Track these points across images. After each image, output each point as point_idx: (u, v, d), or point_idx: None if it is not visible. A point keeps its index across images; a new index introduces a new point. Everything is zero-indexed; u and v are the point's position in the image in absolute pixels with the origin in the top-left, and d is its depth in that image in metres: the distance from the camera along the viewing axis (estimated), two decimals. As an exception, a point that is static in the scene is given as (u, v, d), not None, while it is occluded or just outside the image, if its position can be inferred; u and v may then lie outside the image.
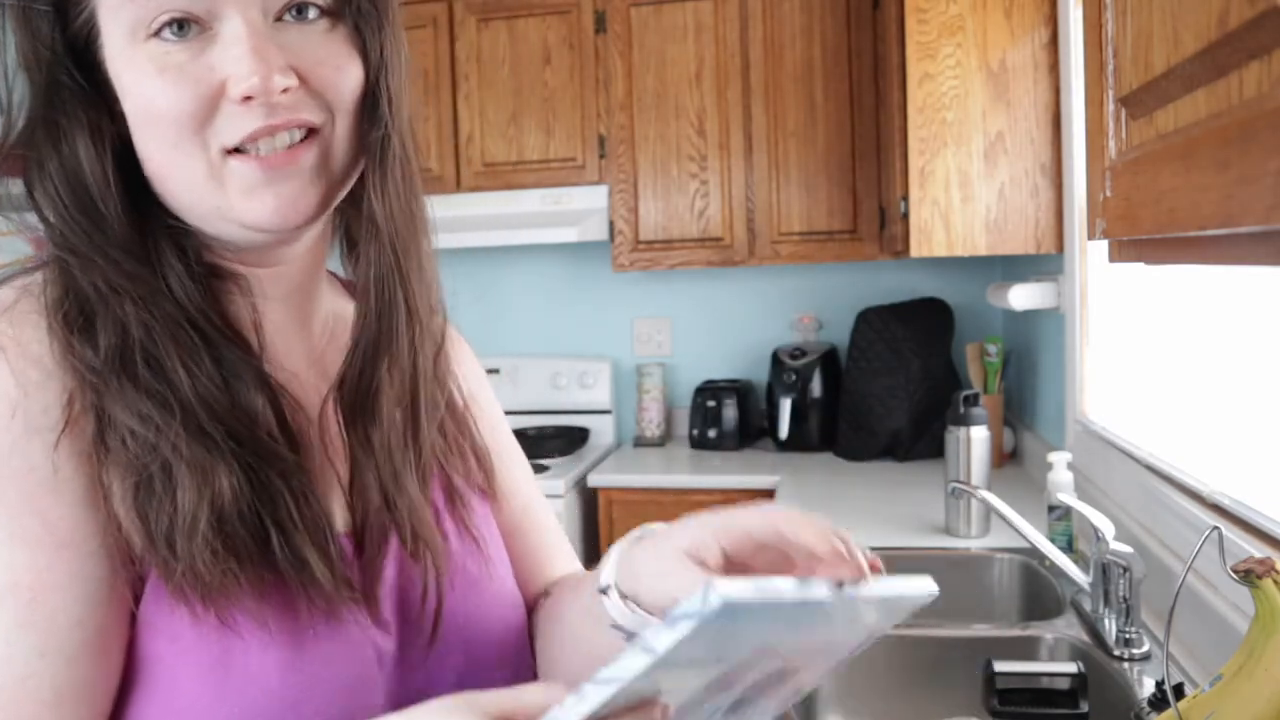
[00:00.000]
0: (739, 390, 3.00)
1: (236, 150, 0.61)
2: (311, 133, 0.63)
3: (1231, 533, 1.20)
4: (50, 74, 0.62)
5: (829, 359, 2.96)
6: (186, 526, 0.58)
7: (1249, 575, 0.75)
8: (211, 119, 0.60)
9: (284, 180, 0.62)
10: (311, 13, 0.63)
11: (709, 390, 3.01)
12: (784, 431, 2.90)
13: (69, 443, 0.58)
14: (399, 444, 0.69)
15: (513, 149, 2.97)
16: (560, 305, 3.34)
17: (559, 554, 0.86)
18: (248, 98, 0.59)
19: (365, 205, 0.68)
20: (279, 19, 0.62)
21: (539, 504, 0.87)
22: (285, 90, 0.60)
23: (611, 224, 2.93)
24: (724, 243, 2.89)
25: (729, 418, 2.97)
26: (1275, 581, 0.74)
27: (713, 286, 3.23)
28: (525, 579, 0.81)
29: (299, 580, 0.61)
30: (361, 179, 0.67)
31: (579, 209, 2.93)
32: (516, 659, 0.74)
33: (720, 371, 3.23)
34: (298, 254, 0.69)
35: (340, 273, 0.77)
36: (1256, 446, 1.33)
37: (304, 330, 0.72)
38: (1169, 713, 0.77)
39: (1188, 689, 1.16)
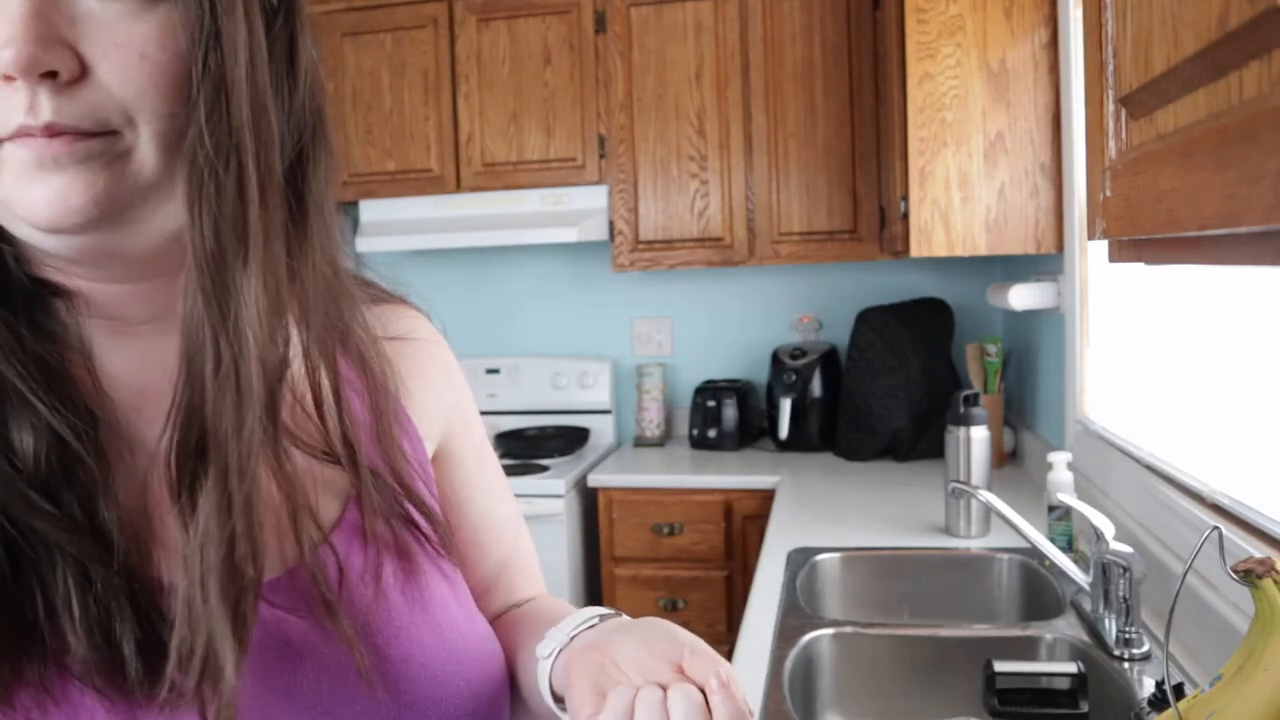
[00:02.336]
0: (739, 390, 3.00)
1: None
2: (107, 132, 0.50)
3: (1231, 533, 1.20)
4: None
5: (829, 359, 2.96)
6: None
7: (1249, 575, 0.75)
8: None
9: (58, 170, 0.49)
10: None
11: (709, 390, 3.01)
12: (784, 431, 2.90)
13: None
14: (216, 528, 0.53)
15: (513, 149, 2.97)
16: (560, 305, 3.34)
17: (534, 587, 0.84)
18: (7, 77, 0.47)
19: (200, 228, 0.52)
20: None
21: (524, 544, 0.84)
22: (52, 74, 0.47)
23: (611, 224, 2.94)
24: (724, 243, 2.89)
25: (729, 418, 2.97)
26: (1275, 581, 0.74)
27: (713, 286, 3.23)
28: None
29: (87, 680, 0.50)
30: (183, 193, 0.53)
31: (579, 209, 2.93)
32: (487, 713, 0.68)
33: (720, 371, 3.23)
34: (141, 271, 0.56)
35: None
36: (1256, 446, 1.33)
37: (169, 366, 0.56)
38: (1169, 712, 0.77)
39: (1188, 689, 1.16)
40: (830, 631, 1.48)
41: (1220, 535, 0.79)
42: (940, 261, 3.02)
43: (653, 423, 3.13)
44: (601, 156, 2.93)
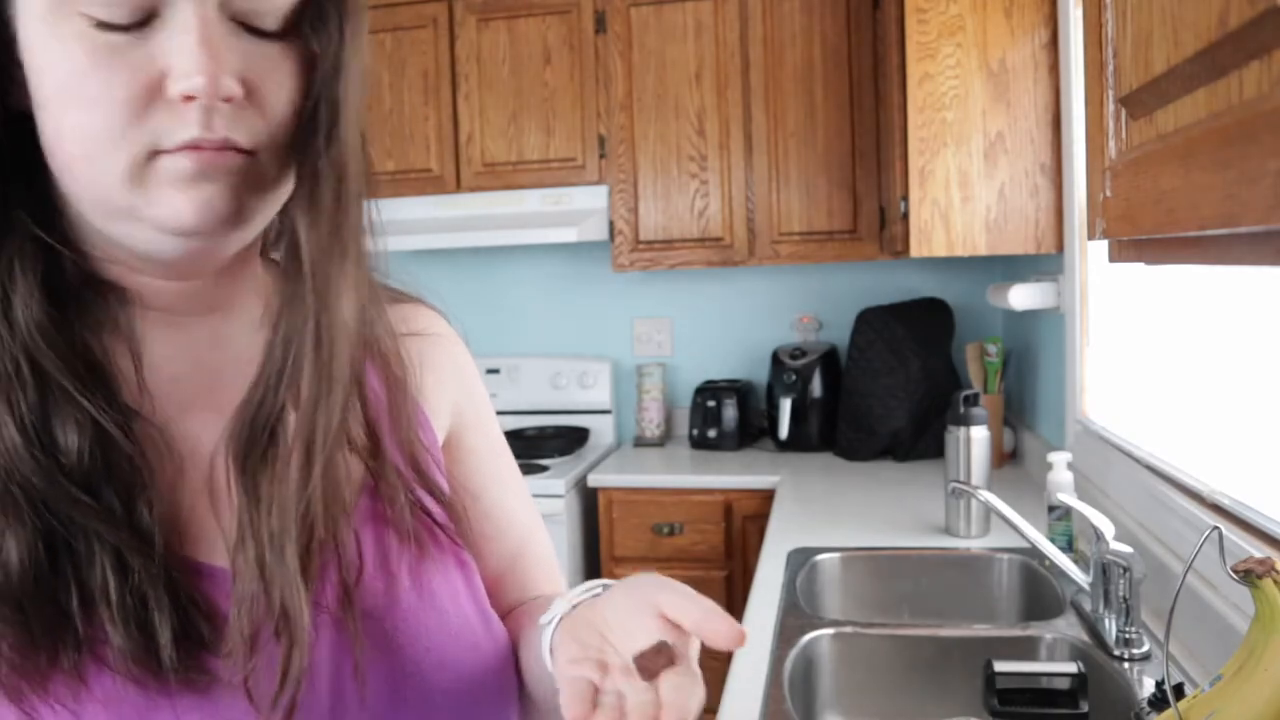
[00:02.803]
0: (739, 390, 3.01)
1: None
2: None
3: (1231, 533, 1.20)
4: None
5: (829, 359, 2.96)
6: None
7: (1249, 575, 0.75)
8: (144, 115, 0.53)
9: (208, 180, 0.54)
10: (270, 21, 0.56)
11: (709, 390, 3.01)
12: (784, 431, 2.90)
13: None
14: (291, 499, 0.59)
15: (513, 149, 2.97)
16: (560, 305, 3.34)
17: (551, 586, 0.83)
18: (189, 97, 0.52)
19: (289, 227, 0.60)
20: (234, 20, 0.55)
21: (538, 537, 0.84)
22: (229, 99, 0.53)
23: (611, 224, 2.94)
24: (724, 243, 2.89)
25: (729, 418, 2.97)
26: (1275, 581, 0.74)
27: (713, 286, 3.23)
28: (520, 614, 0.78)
29: (121, 665, 0.52)
30: (292, 200, 0.60)
31: (579, 209, 2.93)
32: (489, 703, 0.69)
33: (720, 371, 3.23)
34: (212, 271, 0.62)
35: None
36: (1256, 446, 1.33)
37: (208, 358, 0.63)
38: (1169, 712, 0.77)
39: (1188, 689, 1.16)
40: (830, 631, 1.48)
41: (1220, 535, 0.79)
42: (940, 261, 3.02)
43: (653, 423, 3.13)
44: (601, 156, 2.93)
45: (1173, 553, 1.41)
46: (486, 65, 2.98)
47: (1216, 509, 1.30)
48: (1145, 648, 1.32)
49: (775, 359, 2.98)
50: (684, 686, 0.55)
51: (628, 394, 3.28)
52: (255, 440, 0.59)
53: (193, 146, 0.53)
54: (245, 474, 0.59)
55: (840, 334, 3.09)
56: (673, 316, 3.27)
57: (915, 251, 2.14)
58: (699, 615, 0.55)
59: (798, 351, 2.96)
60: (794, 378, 2.91)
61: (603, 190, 2.93)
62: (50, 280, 0.56)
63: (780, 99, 2.82)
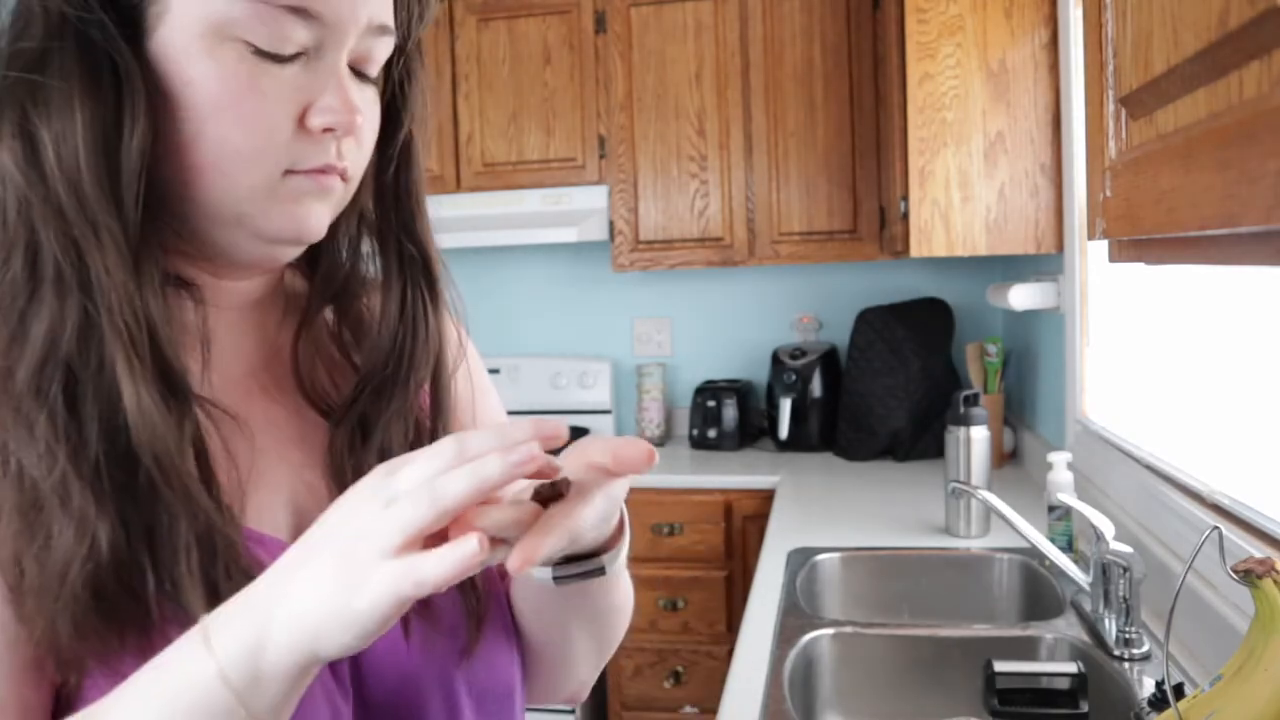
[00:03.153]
0: (739, 390, 3.01)
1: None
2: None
3: (1231, 533, 1.20)
4: (99, 38, 0.56)
5: (829, 359, 2.96)
6: (51, 583, 0.53)
7: (1249, 575, 0.75)
8: (288, 139, 0.60)
9: (319, 200, 0.63)
10: (372, 69, 0.65)
11: (709, 390, 3.01)
12: (784, 431, 2.90)
13: None
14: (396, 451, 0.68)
15: (513, 149, 2.98)
16: (560, 305, 3.34)
17: None
18: (328, 129, 0.61)
19: (412, 241, 0.72)
20: (352, 66, 0.64)
21: None
22: (351, 135, 0.63)
23: (611, 224, 2.94)
24: (724, 243, 2.89)
25: (729, 418, 2.97)
26: (1275, 581, 0.74)
27: (713, 286, 3.23)
28: None
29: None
30: (384, 206, 0.71)
31: (579, 209, 2.93)
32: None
33: (720, 371, 3.23)
34: (272, 271, 0.69)
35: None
36: (1256, 446, 1.33)
37: (254, 335, 0.70)
38: (1169, 712, 0.77)
39: (1188, 689, 1.16)
40: (830, 631, 1.48)
41: (1220, 535, 0.79)
42: (940, 261, 3.02)
43: (653, 423, 3.13)
44: (601, 156, 2.93)
45: (1173, 553, 1.41)
46: (486, 65, 2.98)
47: (1216, 509, 1.30)
48: (1145, 648, 1.32)
49: (775, 359, 2.98)
50: (572, 511, 0.53)
51: (628, 394, 3.28)
52: (365, 429, 0.68)
53: (320, 170, 0.62)
54: (351, 457, 0.67)
55: (840, 334, 3.09)
56: (672, 316, 3.27)
57: (915, 251, 2.14)
58: (612, 449, 0.54)
59: (798, 351, 2.96)
60: (794, 378, 2.91)
61: (603, 190, 2.93)
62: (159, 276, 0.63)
63: (780, 99, 2.82)
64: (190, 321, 0.64)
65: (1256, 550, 1.14)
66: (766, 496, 2.53)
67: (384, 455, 0.67)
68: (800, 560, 1.81)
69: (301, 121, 0.60)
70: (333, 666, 0.62)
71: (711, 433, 2.98)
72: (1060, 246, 2.10)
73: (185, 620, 0.53)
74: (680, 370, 3.27)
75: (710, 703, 2.60)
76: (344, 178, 0.64)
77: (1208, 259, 0.64)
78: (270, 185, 0.60)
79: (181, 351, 0.60)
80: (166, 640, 0.53)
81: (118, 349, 0.55)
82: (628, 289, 3.29)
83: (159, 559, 0.55)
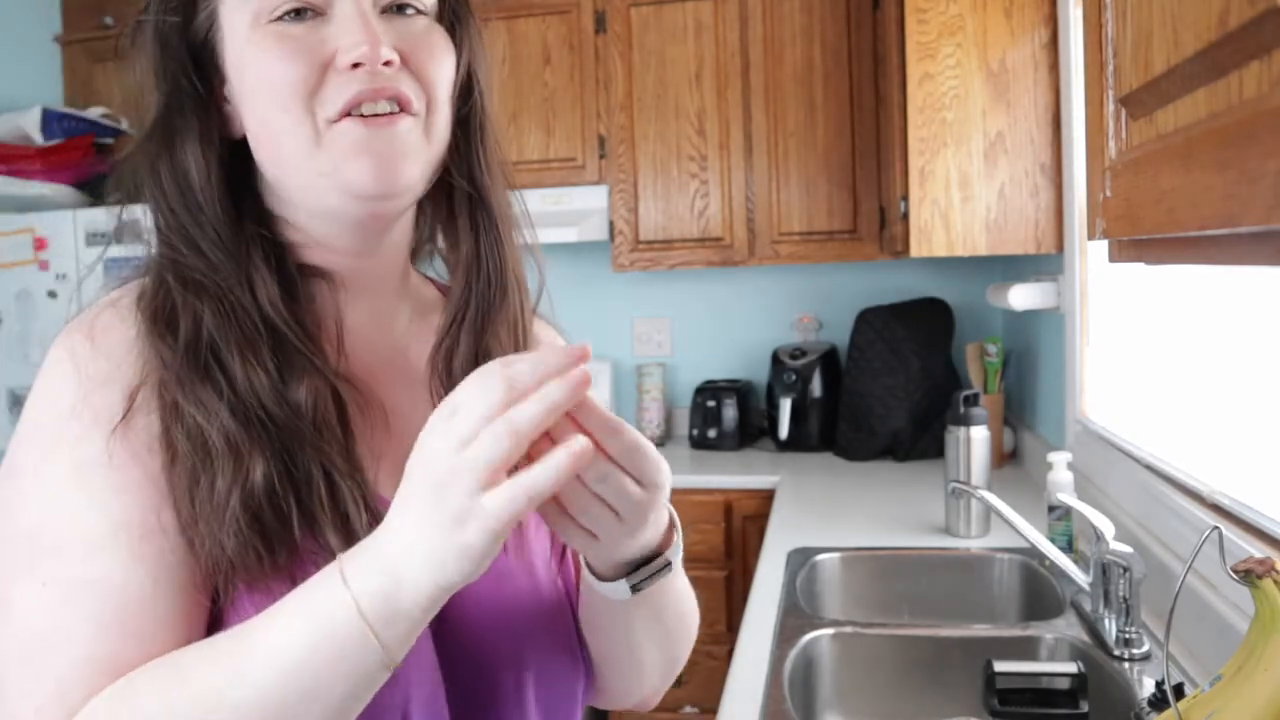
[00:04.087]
0: (739, 390, 3.01)
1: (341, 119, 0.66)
2: (405, 111, 0.68)
3: (1231, 533, 1.20)
4: (174, 82, 0.69)
5: (829, 359, 2.96)
6: (219, 509, 0.62)
7: (1249, 575, 0.75)
8: (320, 88, 0.66)
9: (383, 141, 0.66)
10: (410, 10, 0.70)
11: (709, 390, 3.01)
12: (784, 431, 2.90)
13: (129, 433, 0.63)
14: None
15: (513, 149, 2.97)
16: (560, 305, 3.33)
17: None
18: (356, 65, 0.65)
19: (469, 176, 0.75)
20: (384, 11, 0.69)
21: None
22: (388, 63, 0.66)
23: (611, 224, 2.94)
24: (724, 243, 2.89)
25: (729, 418, 2.97)
26: (1275, 581, 0.74)
27: (713, 286, 3.23)
28: None
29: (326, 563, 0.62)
30: (459, 159, 0.75)
31: (579, 209, 2.93)
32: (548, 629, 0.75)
33: (720, 371, 3.23)
34: (386, 246, 0.74)
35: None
36: (1256, 446, 1.33)
37: (387, 324, 0.77)
38: (1169, 712, 0.77)
39: (1188, 689, 1.16)
40: (830, 631, 1.48)
41: (1220, 535, 0.79)
42: (940, 261, 3.02)
43: (653, 423, 3.12)
44: (601, 156, 2.93)
45: (1173, 553, 1.41)
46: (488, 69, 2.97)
47: (1216, 509, 1.30)
48: (1145, 648, 1.32)
49: (775, 359, 2.98)
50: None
51: (628, 394, 3.28)
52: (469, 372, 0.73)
53: (358, 104, 0.65)
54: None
55: (840, 334, 3.09)
56: (672, 316, 3.27)
57: (915, 251, 2.14)
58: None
59: (798, 351, 2.96)
60: (794, 378, 2.91)
61: (603, 190, 2.93)
62: (278, 267, 0.70)
63: (780, 99, 2.82)
64: (326, 307, 0.73)
65: (1256, 550, 1.14)
66: (766, 496, 2.53)
67: None
68: (800, 560, 1.81)
69: (333, 68, 0.66)
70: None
71: (711, 433, 2.98)
72: (1060, 246, 2.10)
73: (326, 555, 0.62)
74: (680, 370, 3.27)
75: (710, 703, 2.60)
76: (403, 105, 0.67)
77: (1208, 259, 0.64)
78: (318, 136, 0.66)
79: (316, 333, 0.71)
80: (310, 569, 0.60)
81: (236, 332, 0.66)
82: (628, 289, 3.29)
83: (301, 496, 0.64)
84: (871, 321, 2.81)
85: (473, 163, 0.76)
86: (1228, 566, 0.76)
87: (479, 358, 0.74)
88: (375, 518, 0.64)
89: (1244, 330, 1.39)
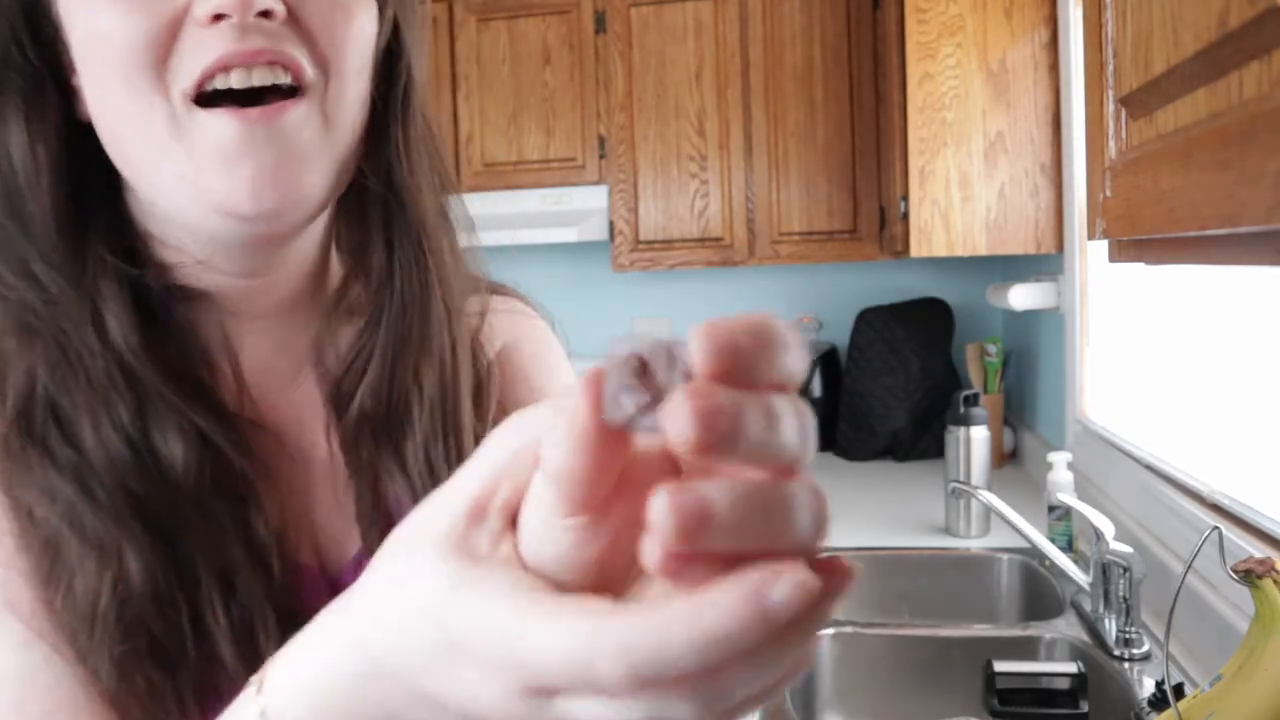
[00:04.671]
0: (739, 390, 3.00)
1: (208, 103, 0.48)
2: (299, 91, 0.49)
3: (1231, 533, 1.20)
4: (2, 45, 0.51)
5: (829, 359, 2.96)
6: (85, 618, 0.47)
7: (1249, 575, 0.75)
8: (173, 52, 0.48)
9: (267, 144, 0.48)
10: None
11: (709, 390, 3.01)
12: (784, 431, 2.90)
13: None
14: (441, 462, 0.58)
15: (513, 149, 2.97)
16: (560, 305, 3.32)
17: None
18: (217, 16, 0.47)
19: (385, 174, 0.57)
20: None
21: None
22: (267, 14, 0.48)
23: (611, 224, 2.94)
24: (724, 243, 2.89)
25: (729, 418, 2.97)
26: (1275, 581, 0.74)
27: (713, 286, 3.23)
28: None
29: (238, 679, 0.45)
30: (374, 150, 0.56)
31: (579, 209, 2.93)
32: None
33: (720, 371, 3.22)
34: (292, 257, 0.56)
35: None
36: (1257, 446, 1.33)
37: (301, 348, 0.59)
38: (1169, 713, 0.77)
39: (1188, 689, 1.16)
40: (830, 631, 1.48)
41: (1220, 535, 0.79)
42: (940, 261, 3.02)
43: (653, 423, 3.12)
44: (601, 156, 2.93)
45: (1173, 553, 1.41)
46: (486, 65, 2.98)
47: (1216, 509, 1.30)
48: (1145, 648, 1.32)
49: (775, 359, 2.98)
50: None
51: (628, 394, 3.28)
52: (388, 417, 0.57)
53: (223, 70, 0.47)
54: (384, 449, 0.57)
55: (840, 334, 3.09)
56: (672, 316, 3.27)
57: (915, 251, 2.14)
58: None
59: (798, 351, 2.96)
60: (794, 378, 2.91)
61: (603, 190, 2.93)
62: (140, 294, 0.53)
63: (780, 99, 2.82)
64: (214, 339, 0.56)
65: (1256, 550, 1.14)
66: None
67: (400, 454, 0.57)
68: (800, 560, 1.81)
69: (188, 22, 0.48)
70: None
71: (711, 433, 2.98)
72: (1060, 246, 2.10)
73: (230, 676, 0.48)
74: (680, 370, 3.27)
75: (710, 703, 2.60)
76: (293, 76, 0.49)
77: (1208, 259, 0.64)
78: (175, 122, 0.48)
79: (203, 374, 0.54)
80: (215, 678, 0.48)
81: (83, 386, 0.50)
82: (628, 289, 3.29)
83: (191, 598, 0.49)
84: (871, 321, 2.81)
85: (390, 155, 0.57)
86: (1228, 566, 0.76)
87: (391, 406, 0.57)
88: (291, 611, 0.50)
89: (1244, 330, 1.39)
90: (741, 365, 0.27)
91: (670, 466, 0.30)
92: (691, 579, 0.26)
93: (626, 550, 0.29)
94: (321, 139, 0.50)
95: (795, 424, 0.28)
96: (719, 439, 0.26)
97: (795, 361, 0.28)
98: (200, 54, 0.47)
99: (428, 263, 0.59)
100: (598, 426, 0.28)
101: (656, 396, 0.28)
